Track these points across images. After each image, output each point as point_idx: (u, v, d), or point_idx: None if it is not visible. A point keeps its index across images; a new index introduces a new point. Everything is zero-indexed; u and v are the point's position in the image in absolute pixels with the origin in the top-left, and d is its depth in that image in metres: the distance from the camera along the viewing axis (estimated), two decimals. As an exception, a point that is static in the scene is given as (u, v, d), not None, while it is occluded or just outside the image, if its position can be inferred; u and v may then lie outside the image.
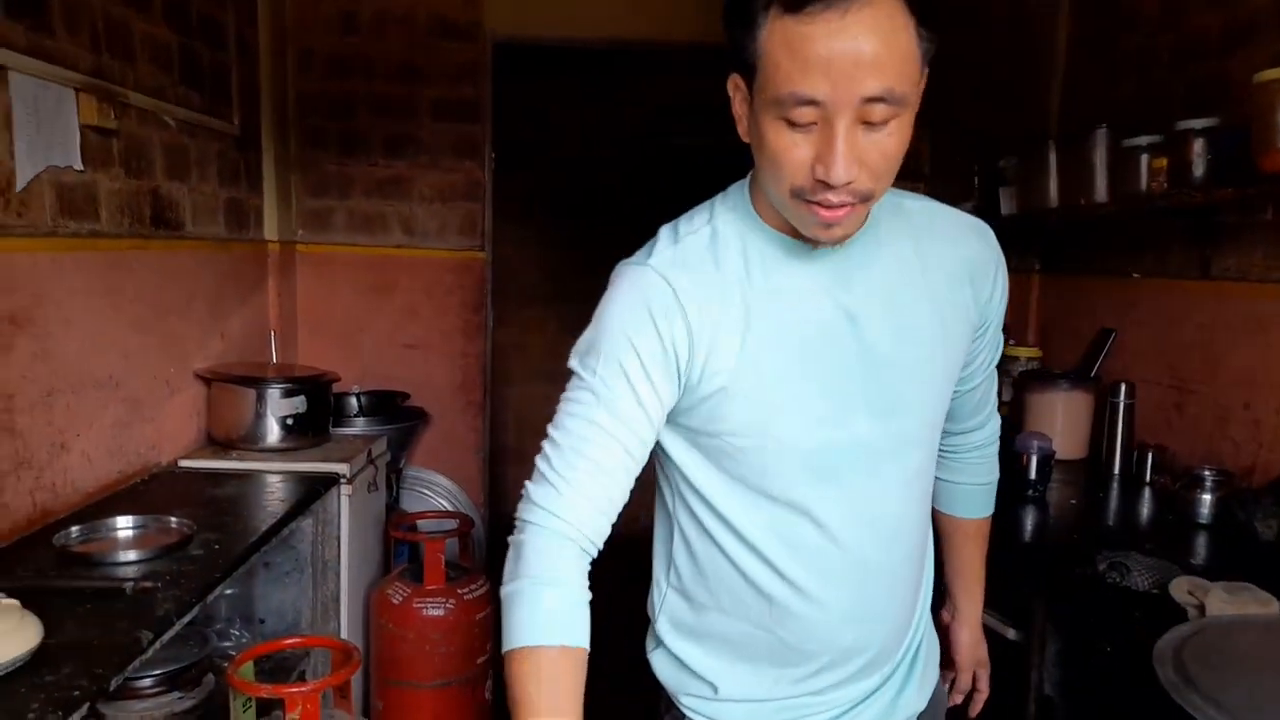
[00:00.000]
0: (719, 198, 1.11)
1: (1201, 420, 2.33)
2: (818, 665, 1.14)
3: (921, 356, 1.08)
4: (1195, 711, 1.15)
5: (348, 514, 2.53)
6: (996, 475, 1.38)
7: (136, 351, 2.33)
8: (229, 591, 2.28)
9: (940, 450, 1.29)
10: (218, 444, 2.63)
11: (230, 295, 2.90)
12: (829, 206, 0.93)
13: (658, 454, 1.13)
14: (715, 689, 1.17)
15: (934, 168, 3.16)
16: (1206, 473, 2.07)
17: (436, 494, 3.46)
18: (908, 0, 0.88)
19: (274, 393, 2.58)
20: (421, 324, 3.56)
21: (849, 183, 0.91)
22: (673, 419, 1.08)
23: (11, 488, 1.86)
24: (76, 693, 1.24)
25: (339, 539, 2.51)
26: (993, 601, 1.43)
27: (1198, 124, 2.04)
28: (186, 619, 1.58)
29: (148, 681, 1.91)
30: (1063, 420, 2.58)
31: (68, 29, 2.05)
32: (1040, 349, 2.94)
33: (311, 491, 2.33)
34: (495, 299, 3.81)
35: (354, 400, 3.24)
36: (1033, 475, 2.23)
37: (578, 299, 5.77)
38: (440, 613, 2.62)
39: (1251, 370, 2.17)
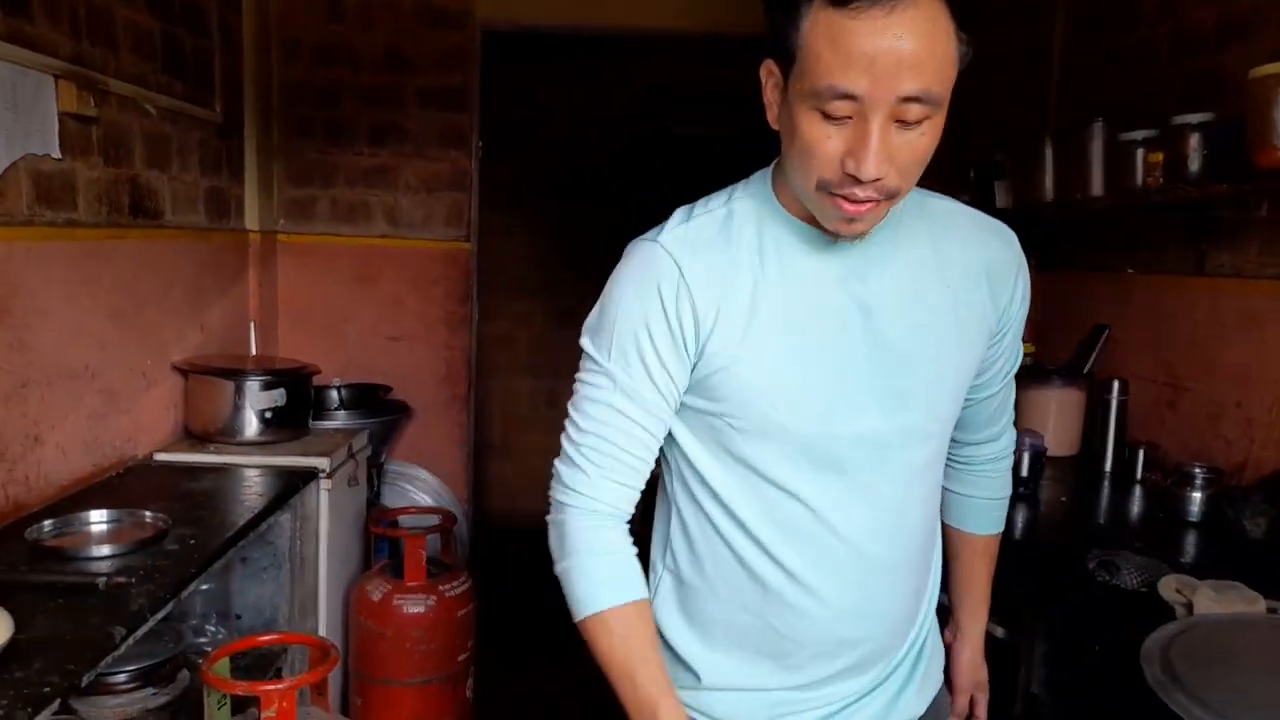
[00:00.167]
0: (741, 183, 1.11)
1: (1194, 417, 2.32)
2: (808, 656, 1.12)
3: (934, 353, 1.08)
4: (1181, 711, 1.15)
5: (327, 509, 2.50)
6: (1009, 491, 1.36)
7: (113, 342, 2.29)
8: (205, 587, 2.26)
9: (953, 461, 1.29)
10: (195, 437, 2.60)
11: (210, 286, 2.86)
12: (854, 201, 0.94)
13: None
14: (699, 677, 1.15)
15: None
16: (1197, 470, 2.06)
17: (419, 489, 3.43)
18: (949, 3, 0.89)
19: (253, 385, 2.55)
20: (406, 316, 3.52)
21: (878, 179, 0.92)
22: None
23: (-18, 480, 1.83)
24: (47, 689, 1.23)
25: (318, 534, 2.49)
26: (943, 580, 1.41)
27: (1193, 119, 2.03)
28: (161, 615, 1.56)
29: (121, 677, 1.89)
30: (1055, 417, 2.57)
31: (47, 15, 2.02)
32: (1033, 344, 2.93)
33: (290, 486, 2.30)
34: (481, 291, 3.79)
35: (335, 393, 3.20)
36: (1024, 472, 2.21)
37: (565, 291, 5.82)
38: (421, 610, 2.59)
39: (1245, 367, 2.16)
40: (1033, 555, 1.91)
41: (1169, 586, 1.57)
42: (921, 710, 1.23)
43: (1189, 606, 1.49)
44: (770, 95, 0.99)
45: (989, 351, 1.16)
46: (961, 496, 1.33)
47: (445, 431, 3.59)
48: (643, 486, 1.09)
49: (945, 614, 1.39)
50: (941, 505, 1.29)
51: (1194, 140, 2.02)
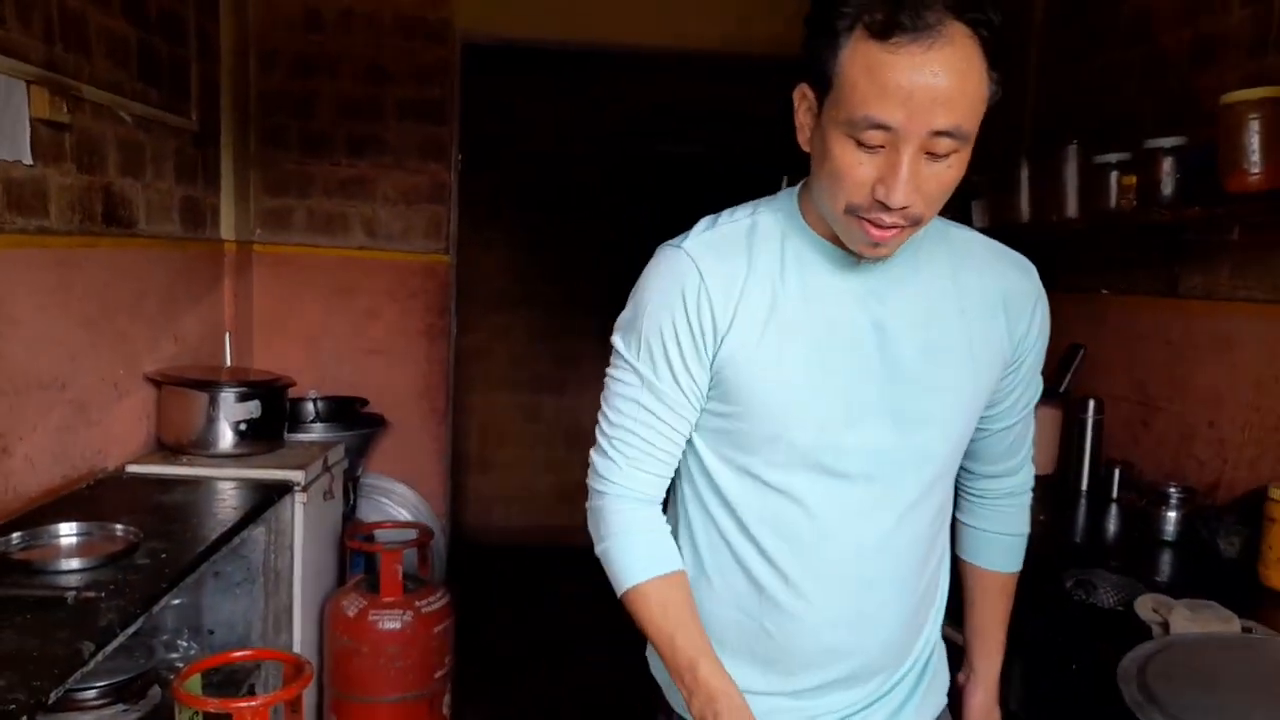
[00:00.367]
0: (766, 198, 1.15)
1: (1167, 437, 2.35)
2: (799, 662, 1.14)
3: (947, 376, 1.10)
4: (1157, 730, 1.15)
5: (302, 523, 2.47)
6: (1027, 529, 1.36)
7: (84, 352, 2.26)
8: (176, 602, 2.22)
9: (969, 494, 1.31)
10: (167, 449, 2.57)
11: (184, 296, 2.83)
12: (881, 226, 0.98)
13: None
14: None
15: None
16: (1172, 490, 2.08)
17: (396, 503, 3.40)
18: (983, 44, 0.92)
19: (227, 397, 2.52)
20: (383, 328, 3.50)
21: (905, 207, 0.96)
22: None
23: (-53, 492, 1.79)
24: (13, 705, 1.21)
25: (292, 549, 2.46)
26: (958, 617, 1.41)
27: (1166, 142, 2.06)
28: (131, 630, 1.53)
29: (90, 694, 1.87)
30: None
31: (20, 19, 1.99)
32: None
33: (264, 499, 2.28)
34: (460, 303, 3.77)
35: (311, 405, 3.17)
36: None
37: (544, 305, 5.79)
38: (397, 625, 2.56)
39: (1217, 388, 2.19)
40: (1010, 573, 1.92)
41: (1145, 606, 1.58)
42: None
43: (1165, 626, 1.50)
44: (802, 118, 1.02)
45: (1004, 382, 1.18)
46: (977, 530, 1.33)
47: (423, 445, 3.56)
48: (670, 475, 1.16)
49: (959, 654, 1.38)
50: (957, 539, 1.32)
51: (1167, 164, 2.05)
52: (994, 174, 2.77)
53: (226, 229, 3.15)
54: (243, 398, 2.54)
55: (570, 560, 4.57)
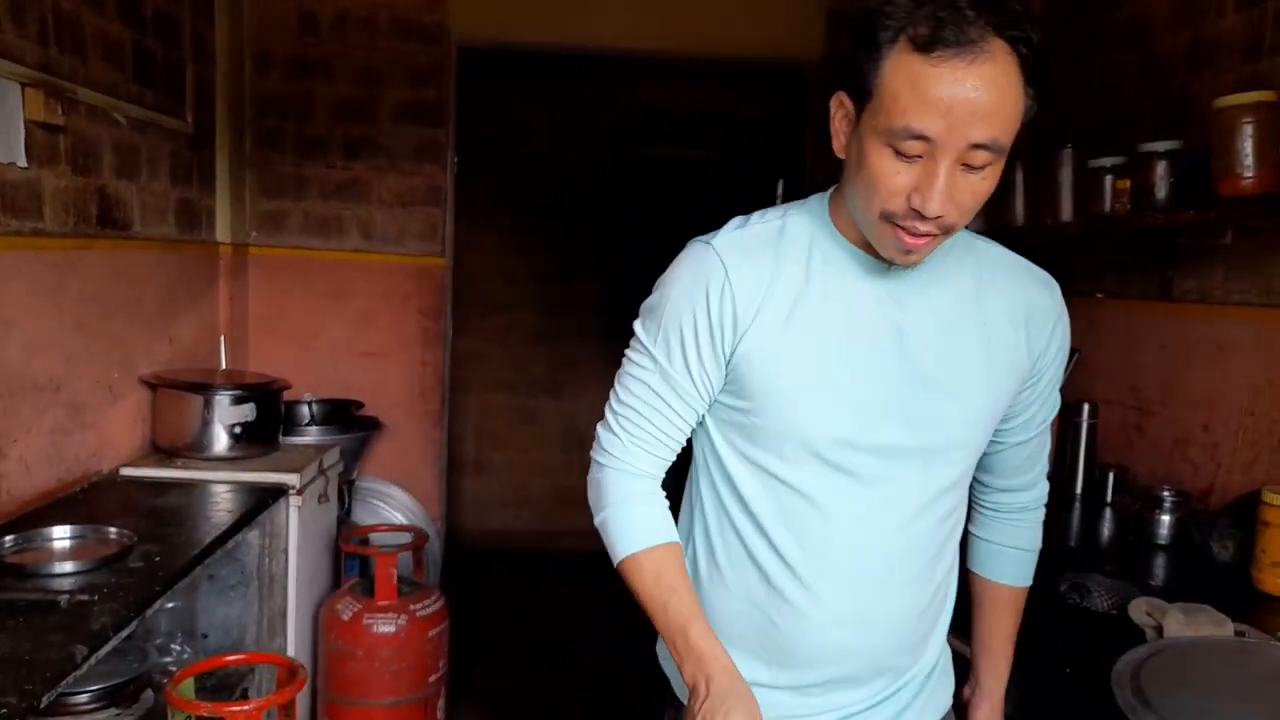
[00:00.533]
0: (797, 202, 1.18)
1: (1161, 441, 2.35)
2: (803, 657, 1.16)
3: (964, 384, 1.12)
4: (1150, 733, 1.15)
5: (296, 526, 2.47)
6: (1039, 545, 1.36)
7: (79, 355, 2.25)
8: (170, 605, 2.22)
9: (983, 507, 1.33)
10: (162, 452, 2.56)
11: (179, 298, 2.82)
12: (914, 234, 1.00)
13: None
14: None
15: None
16: (1166, 494, 2.09)
17: (391, 506, 3.40)
18: (1022, 61, 0.94)
19: (222, 400, 2.51)
20: (379, 331, 3.50)
21: (940, 216, 0.98)
22: None
23: (-60, 495, 1.79)
24: (5, 710, 1.20)
25: (287, 552, 2.46)
26: (966, 630, 1.41)
27: (1160, 147, 2.07)
28: (124, 633, 1.53)
29: (83, 698, 1.86)
30: (1025, 439, 2.58)
31: (14, 21, 1.99)
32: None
33: (259, 502, 2.27)
34: (456, 306, 3.77)
35: (306, 409, 3.17)
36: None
37: (540, 308, 5.79)
38: (391, 629, 2.56)
39: (1210, 392, 2.19)
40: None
41: (1139, 609, 1.58)
42: None
43: (1159, 629, 1.50)
44: (839, 125, 1.05)
45: (1021, 396, 1.19)
46: (989, 543, 1.34)
47: (418, 448, 3.56)
48: (672, 458, 1.19)
49: (964, 665, 1.38)
50: (969, 552, 1.34)
51: (1161, 168, 2.06)
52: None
53: (222, 231, 3.15)
54: (237, 400, 2.54)
55: (566, 564, 4.60)
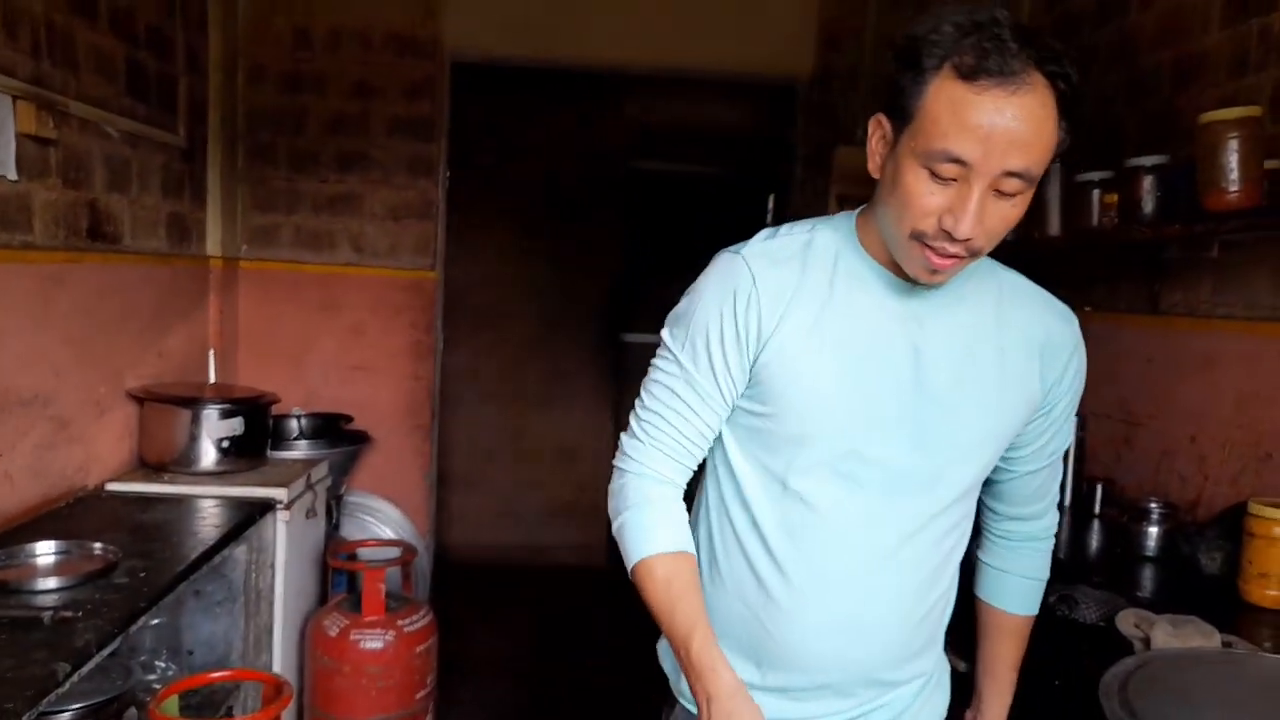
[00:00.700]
0: (824, 218, 1.20)
1: (1149, 454, 2.36)
2: (794, 662, 1.18)
3: (973, 406, 1.14)
4: (1138, 746, 1.15)
5: (284, 541, 2.45)
6: (1047, 575, 1.38)
7: (67, 369, 2.24)
8: (155, 622, 2.20)
9: (991, 534, 1.35)
10: (149, 467, 2.55)
11: (169, 312, 2.82)
12: (942, 255, 1.03)
13: None
14: None
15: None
16: (1153, 506, 2.09)
17: (379, 521, 3.38)
18: (1059, 97, 0.98)
19: (210, 414, 2.50)
20: (369, 345, 3.49)
21: (969, 239, 1.01)
22: None
23: (-77, 510, 1.77)
24: (-16, 729, 1.19)
25: (274, 567, 2.44)
26: (969, 653, 1.41)
27: (1147, 161, 2.08)
28: (107, 650, 1.51)
29: (66, 716, 1.83)
30: (1014, 452, 2.59)
31: (7, 34, 1.99)
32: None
33: (246, 517, 2.26)
34: (446, 320, 3.76)
35: (295, 423, 3.16)
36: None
37: (531, 322, 5.76)
38: (379, 645, 2.54)
39: (1197, 405, 2.20)
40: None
41: (1127, 621, 1.58)
42: None
43: (1147, 641, 1.50)
44: (875, 146, 1.08)
45: (1031, 426, 1.21)
46: (996, 570, 1.35)
47: (407, 462, 3.55)
48: (694, 467, 1.20)
49: (962, 681, 1.39)
50: (976, 579, 1.36)
51: (1147, 182, 2.08)
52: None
53: (213, 245, 3.15)
54: (225, 415, 2.53)
55: (556, 579, 4.58)
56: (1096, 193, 2.26)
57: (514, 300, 5.06)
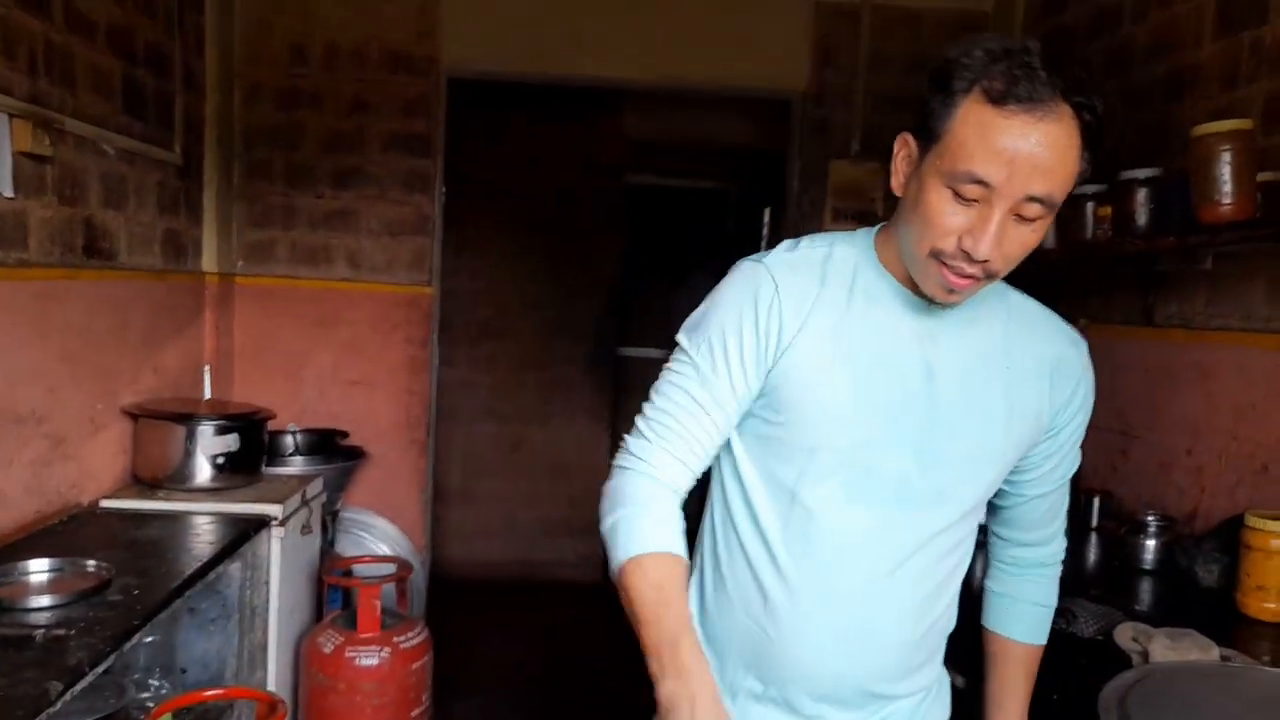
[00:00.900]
0: (844, 233, 1.21)
1: (1146, 466, 2.35)
2: (793, 675, 1.18)
3: (982, 425, 1.15)
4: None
5: (279, 558, 2.44)
6: (1055, 603, 1.38)
7: (62, 385, 2.24)
8: (149, 639, 2.19)
9: (1001, 561, 1.36)
10: (143, 484, 2.53)
11: (164, 328, 2.81)
12: (959, 274, 1.05)
13: None
14: None
15: (887, 208, 3.20)
16: (1150, 518, 2.09)
17: (375, 537, 3.37)
18: (1084, 127, 0.99)
19: (205, 430, 2.49)
20: (365, 360, 3.49)
21: (987, 261, 1.02)
22: None
23: (-84, 527, 1.76)
24: (-25, 748, 1.18)
25: (269, 584, 2.43)
26: (952, 656, 1.40)
27: (1141, 174, 2.09)
28: (100, 669, 1.51)
29: (58, 735, 1.81)
30: (1011, 465, 2.58)
31: (4, 53, 2.00)
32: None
33: (241, 534, 2.25)
34: (443, 334, 3.76)
35: (290, 438, 3.15)
36: (981, 521, 2.22)
37: (527, 336, 5.75)
38: (374, 662, 2.52)
39: (1194, 416, 2.20)
40: (991, 604, 1.91)
41: (1125, 634, 1.58)
42: None
43: (1145, 654, 1.50)
44: (899, 164, 1.10)
45: (1037, 449, 1.22)
46: (1005, 598, 1.35)
47: (403, 478, 3.54)
48: (697, 472, 1.17)
49: (958, 697, 1.38)
50: (984, 609, 1.36)
51: (1141, 195, 2.08)
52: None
53: (209, 261, 3.15)
54: (220, 431, 2.52)
55: (552, 595, 4.56)
56: (1091, 205, 2.27)
57: (511, 314, 5.06)
